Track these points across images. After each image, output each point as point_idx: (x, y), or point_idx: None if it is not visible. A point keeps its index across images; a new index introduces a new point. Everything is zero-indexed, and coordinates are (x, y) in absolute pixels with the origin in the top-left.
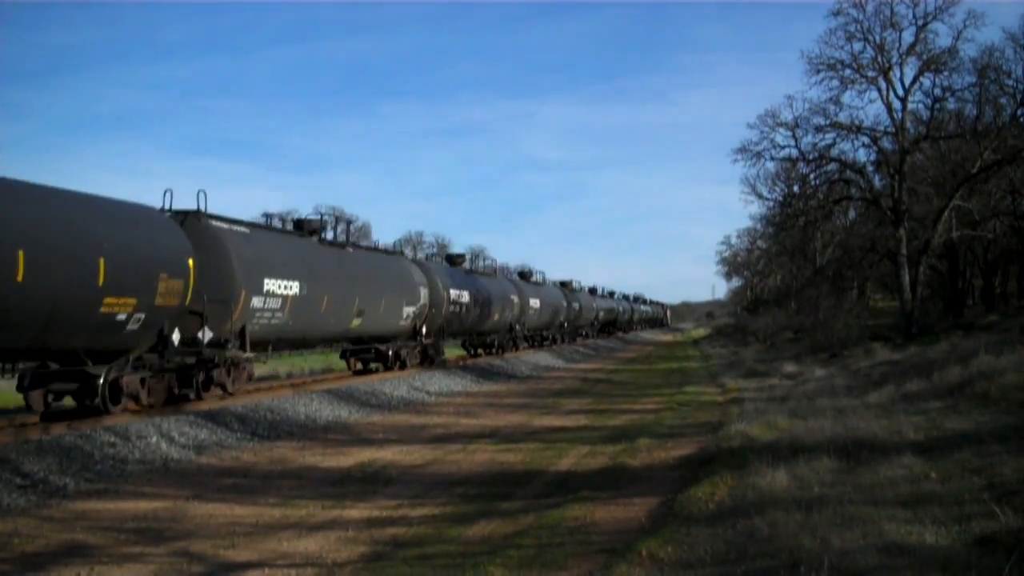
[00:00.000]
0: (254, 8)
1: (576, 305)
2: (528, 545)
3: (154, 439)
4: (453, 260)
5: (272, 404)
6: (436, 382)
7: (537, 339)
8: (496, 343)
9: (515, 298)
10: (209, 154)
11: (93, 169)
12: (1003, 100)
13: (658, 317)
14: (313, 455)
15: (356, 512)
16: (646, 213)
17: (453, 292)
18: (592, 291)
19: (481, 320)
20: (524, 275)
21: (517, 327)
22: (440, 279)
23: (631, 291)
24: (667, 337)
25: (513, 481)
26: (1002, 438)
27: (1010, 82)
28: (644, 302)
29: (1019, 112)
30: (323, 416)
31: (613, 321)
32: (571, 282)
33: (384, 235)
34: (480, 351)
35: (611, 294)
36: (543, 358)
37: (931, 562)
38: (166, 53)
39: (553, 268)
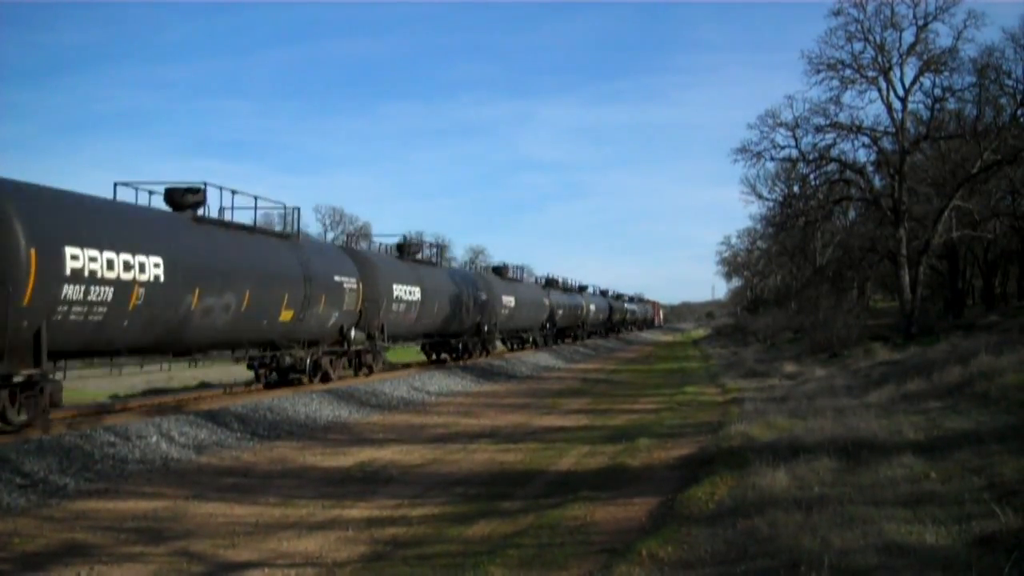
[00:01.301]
0: (254, 8)
1: (509, 300)
2: (528, 545)
3: (154, 439)
4: (406, 249)
5: (272, 404)
6: (436, 382)
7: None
8: (461, 347)
9: (483, 295)
10: (209, 154)
11: (93, 170)
12: (1003, 100)
13: (647, 317)
14: (313, 455)
15: (356, 512)
16: (646, 213)
17: (397, 288)
18: (550, 283)
19: (446, 321)
20: (499, 271)
21: (486, 328)
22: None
23: (631, 291)
24: (667, 337)
25: (513, 481)
26: (1002, 438)
27: (1010, 82)
28: (630, 300)
29: (1019, 112)
30: (323, 416)
31: (582, 323)
32: (506, 267)
33: (384, 235)
34: (445, 356)
35: (581, 289)
36: (543, 358)
37: (931, 562)
38: (166, 53)
39: (553, 268)
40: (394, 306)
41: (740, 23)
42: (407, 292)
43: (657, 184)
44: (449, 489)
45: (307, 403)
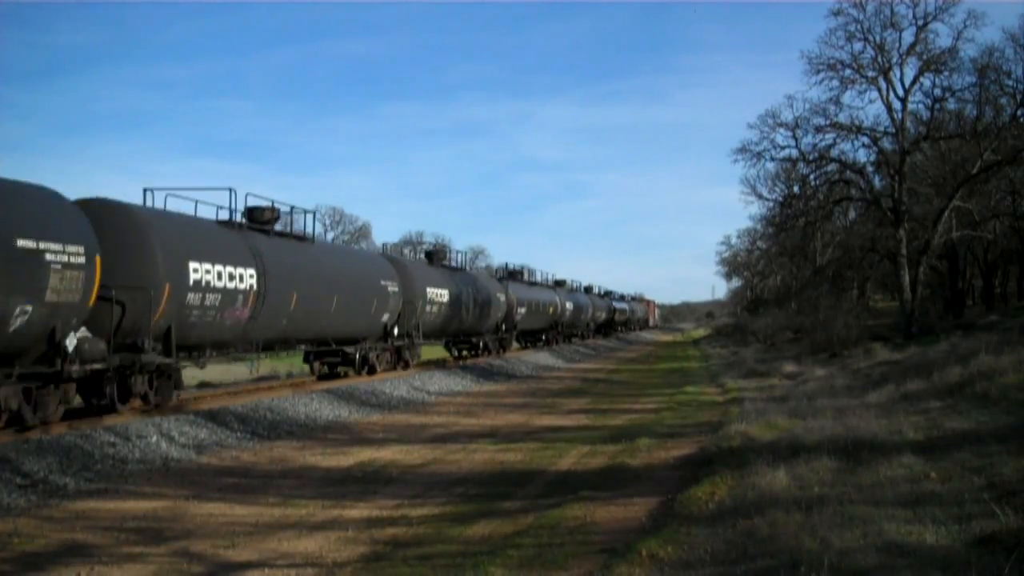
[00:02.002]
0: (254, 8)
1: (439, 294)
2: (528, 545)
3: (154, 439)
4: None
5: (272, 404)
6: (436, 382)
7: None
8: (359, 358)
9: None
10: (209, 154)
11: (93, 170)
12: (1003, 100)
13: (641, 317)
14: (313, 455)
15: (356, 512)
16: (646, 213)
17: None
18: (512, 275)
19: (320, 322)
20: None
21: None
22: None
23: (631, 291)
24: (667, 337)
25: (513, 481)
26: (1002, 438)
27: (1010, 82)
28: (620, 298)
29: (1019, 112)
30: (323, 416)
31: (555, 324)
32: (441, 251)
33: (384, 235)
34: (345, 371)
35: (557, 283)
36: (543, 358)
37: (931, 562)
38: (166, 53)
39: (553, 268)
40: (191, 297)
41: (740, 23)
42: (221, 275)
43: (657, 184)
44: (449, 489)
45: (307, 403)
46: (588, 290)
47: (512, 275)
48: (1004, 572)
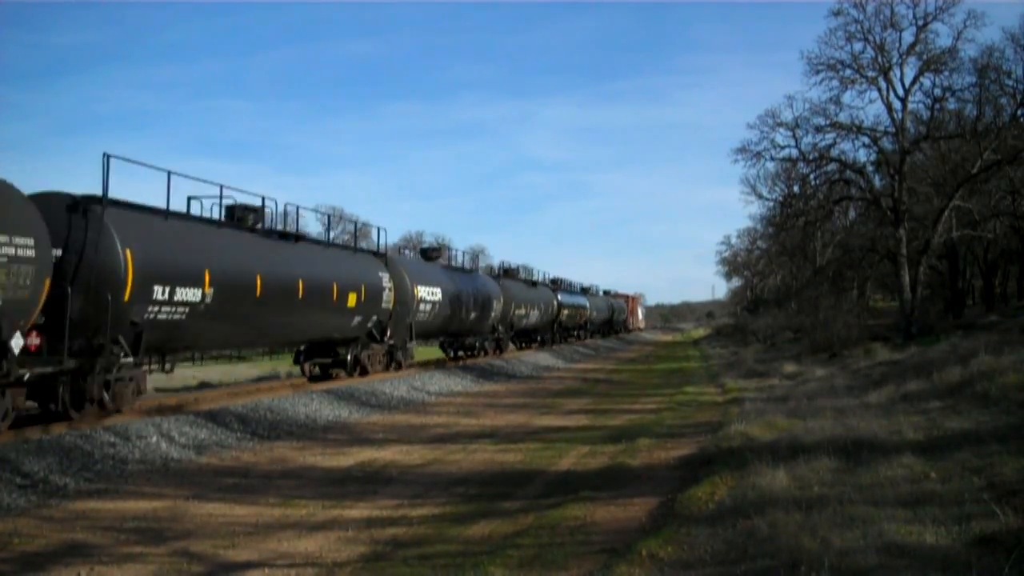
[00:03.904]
0: (254, 8)
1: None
2: (528, 545)
3: (154, 439)
4: (427, 254)
5: (272, 404)
6: (436, 382)
7: None
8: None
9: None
10: (210, 154)
11: (94, 169)
12: (1003, 100)
13: (608, 318)
14: (313, 455)
15: (356, 512)
16: (646, 213)
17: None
18: (287, 235)
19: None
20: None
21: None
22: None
23: (631, 290)
24: (667, 337)
25: (513, 481)
26: (1002, 438)
27: (1010, 82)
28: (583, 291)
29: (1019, 112)
30: (323, 416)
31: (381, 328)
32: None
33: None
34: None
35: (425, 255)
36: (543, 358)
37: (931, 562)
38: (167, 54)
39: (553, 268)
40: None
41: (740, 23)
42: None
43: (657, 184)
44: (449, 489)
45: (307, 403)
46: (510, 273)
47: (282, 234)
48: (1004, 572)
